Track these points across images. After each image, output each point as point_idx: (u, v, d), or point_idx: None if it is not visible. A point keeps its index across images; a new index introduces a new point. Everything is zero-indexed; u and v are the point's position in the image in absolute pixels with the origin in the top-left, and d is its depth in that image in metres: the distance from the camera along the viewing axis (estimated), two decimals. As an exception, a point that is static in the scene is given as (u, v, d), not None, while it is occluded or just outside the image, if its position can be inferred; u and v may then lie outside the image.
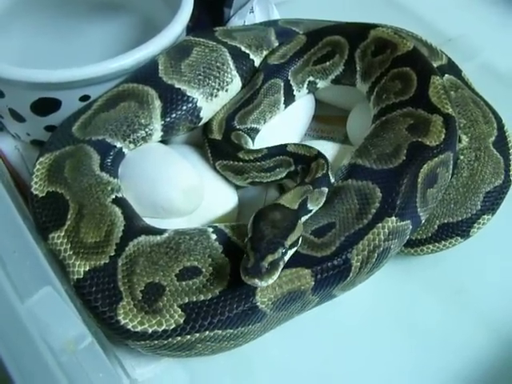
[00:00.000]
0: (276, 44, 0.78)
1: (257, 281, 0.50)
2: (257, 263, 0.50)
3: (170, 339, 0.54)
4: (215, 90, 0.72)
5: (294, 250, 0.54)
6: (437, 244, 0.68)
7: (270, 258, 0.51)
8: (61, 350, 0.43)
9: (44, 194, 0.62)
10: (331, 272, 0.56)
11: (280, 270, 0.52)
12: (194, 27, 0.87)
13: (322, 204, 0.62)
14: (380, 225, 0.58)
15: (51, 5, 0.87)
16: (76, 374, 0.44)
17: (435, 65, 0.74)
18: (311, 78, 0.77)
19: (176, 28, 0.73)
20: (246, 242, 0.54)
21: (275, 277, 0.51)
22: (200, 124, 0.72)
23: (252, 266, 0.50)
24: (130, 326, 0.53)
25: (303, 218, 0.60)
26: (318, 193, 0.61)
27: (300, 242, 0.56)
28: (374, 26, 0.74)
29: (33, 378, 0.40)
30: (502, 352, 0.64)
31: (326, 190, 0.62)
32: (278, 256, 0.52)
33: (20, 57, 0.82)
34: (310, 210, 0.61)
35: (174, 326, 0.53)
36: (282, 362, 0.64)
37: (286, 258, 0.53)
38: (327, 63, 0.76)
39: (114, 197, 0.62)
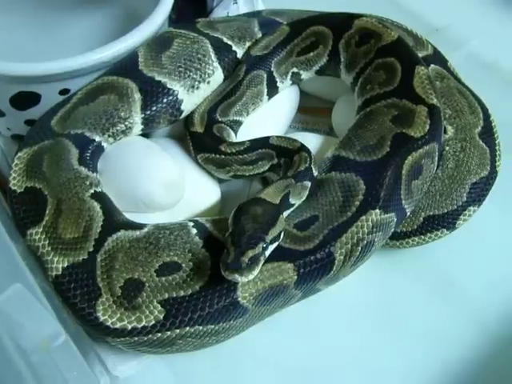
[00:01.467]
0: (259, 35, 0.77)
1: (237, 276, 0.49)
2: (237, 258, 0.50)
3: (149, 335, 0.53)
4: (196, 82, 0.71)
5: (275, 244, 0.54)
6: (422, 236, 0.67)
7: (250, 253, 0.50)
8: (32, 348, 0.42)
9: (22, 190, 0.61)
10: (314, 266, 0.56)
11: (261, 265, 0.51)
12: (177, 19, 0.86)
13: (304, 198, 0.61)
14: (364, 217, 0.58)
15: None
16: (49, 373, 0.43)
17: (421, 55, 0.73)
18: (295, 69, 0.76)
19: (157, 19, 0.72)
20: (226, 236, 0.53)
21: (256, 272, 0.50)
22: (181, 117, 0.71)
23: (232, 261, 0.50)
24: (109, 323, 0.53)
25: (285, 213, 0.59)
26: (300, 187, 0.60)
27: (282, 236, 0.55)
28: (358, 16, 0.74)
29: (4, 376, 0.39)
30: (489, 345, 0.64)
31: (308, 183, 0.61)
32: (258, 251, 0.51)
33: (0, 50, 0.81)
34: (293, 205, 0.60)
35: (153, 322, 0.53)
36: (267, 358, 0.63)
37: (267, 253, 0.52)
38: (311, 54, 0.75)
39: (92, 191, 0.61)
